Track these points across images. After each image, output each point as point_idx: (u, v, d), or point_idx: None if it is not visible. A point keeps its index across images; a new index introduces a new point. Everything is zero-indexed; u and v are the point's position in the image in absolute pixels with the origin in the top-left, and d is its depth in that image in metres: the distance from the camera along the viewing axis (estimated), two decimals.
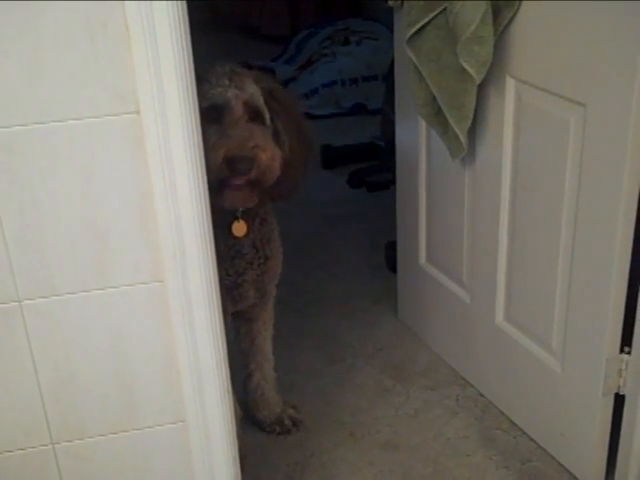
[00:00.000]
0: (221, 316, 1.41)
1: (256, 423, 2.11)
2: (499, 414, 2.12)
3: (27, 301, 1.30)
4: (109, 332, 1.35)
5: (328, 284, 2.78)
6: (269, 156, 1.62)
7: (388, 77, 2.97)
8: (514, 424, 2.08)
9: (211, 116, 1.60)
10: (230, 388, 1.47)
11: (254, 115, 1.65)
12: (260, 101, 1.67)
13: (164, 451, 1.46)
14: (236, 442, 1.51)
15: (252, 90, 1.66)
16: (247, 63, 5.01)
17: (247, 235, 1.76)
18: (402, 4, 1.96)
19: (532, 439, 2.03)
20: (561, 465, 1.94)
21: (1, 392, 1.36)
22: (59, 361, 1.35)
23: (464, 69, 1.76)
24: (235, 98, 1.62)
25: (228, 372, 1.45)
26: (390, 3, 2.05)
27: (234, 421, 1.50)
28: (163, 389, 1.41)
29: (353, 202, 3.32)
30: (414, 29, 1.86)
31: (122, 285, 1.32)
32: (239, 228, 1.73)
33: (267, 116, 1.68)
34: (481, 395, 2.19)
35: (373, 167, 3.46)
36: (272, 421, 2.10)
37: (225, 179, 1.61)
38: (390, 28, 2.27)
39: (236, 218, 1.73)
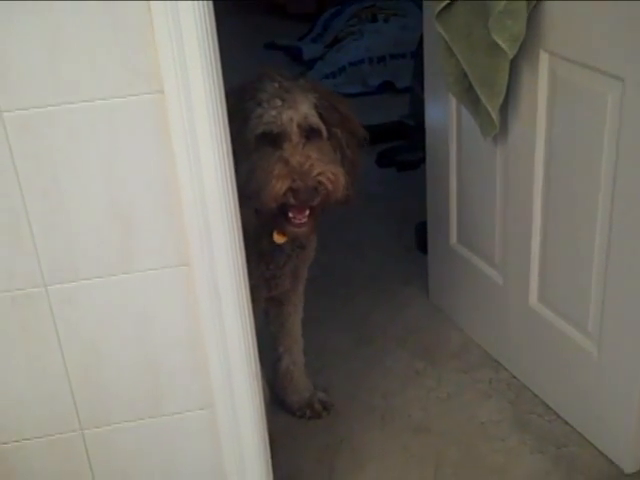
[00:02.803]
0: (249, 299, 1.38)
1: (286, 407, 2.10)
2: (533, 397, 2.09)
3: (52, 286, 1.28)
4: (135, 317, 1.33)
5: (358, 265, 2.75)
6: (333, 179, 1.59)
7: (417, 54, 2.91)
8: (549, 408, 2.04)
9: (267, 140, 1.59)
10: (259, 373, 1.45)
11: (311, 133, 1.62)
12: (314, 117, 1.64)
13: (192, 437, 1.44)
14: (266, 427, 1.50)
15: (305, 108, 1.62)
16: (274, 43, 5.00)
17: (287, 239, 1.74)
18: None
19: (567, 423, 1.99)
20: (597, 449, 1.90)
21: (29, 378, 1.35)
22: (85, 346, 1.34)
23: (496, 44, 1.72)
24: (290, 122, 1.59)
25: (257, 357, 1.43)
26: None
27: (263, 406, 1.48)
28: (190, 374, 1.39)
29: (382, 182, 3.28)
30: (443, 4, 1.82)
31: (147, 269, 1.29)
32: (279, 237, 1.70)
33: (324, 130, 1.65)
34: (515, 378, 2.16)
35: (402, 146, 3.41)
36: (302, 405, 2.09)
37: (288, 207, 1.59)
38: (418, 5, 2.23)
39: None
